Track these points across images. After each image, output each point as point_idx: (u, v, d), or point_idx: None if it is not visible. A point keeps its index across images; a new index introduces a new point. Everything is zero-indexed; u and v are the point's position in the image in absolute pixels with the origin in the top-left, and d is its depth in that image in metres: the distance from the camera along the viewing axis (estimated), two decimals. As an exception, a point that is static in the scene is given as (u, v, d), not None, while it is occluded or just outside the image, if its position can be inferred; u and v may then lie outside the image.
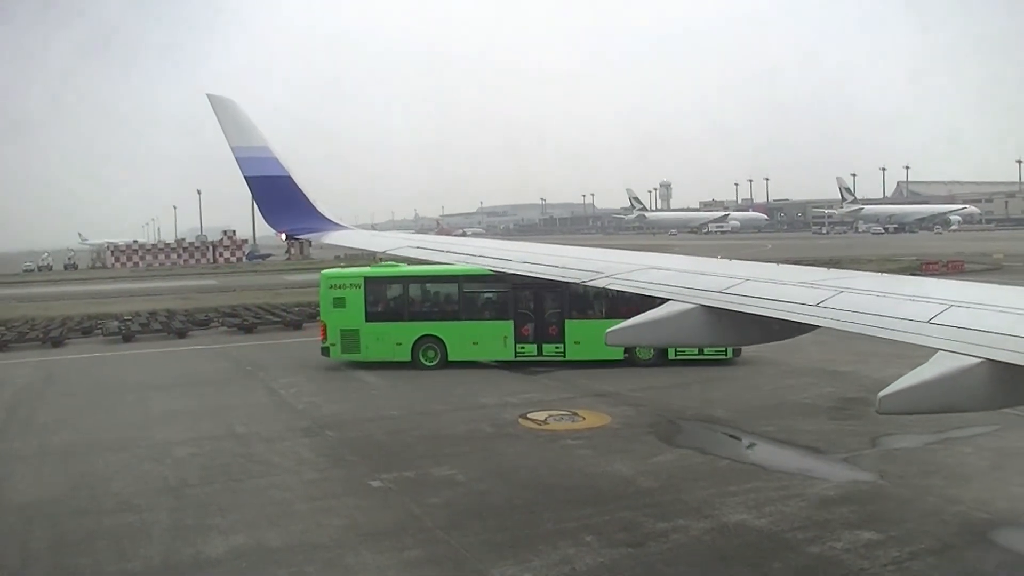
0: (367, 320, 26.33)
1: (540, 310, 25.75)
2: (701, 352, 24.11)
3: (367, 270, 27.45)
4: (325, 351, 26.65)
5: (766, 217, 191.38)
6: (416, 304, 26.98)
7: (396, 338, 26.13)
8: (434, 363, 25.96)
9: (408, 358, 26.05)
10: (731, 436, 17.75)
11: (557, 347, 25.49)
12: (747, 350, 24.55)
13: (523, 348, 25.60)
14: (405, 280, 26.61)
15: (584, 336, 24.73)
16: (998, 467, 14.99)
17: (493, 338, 25.81)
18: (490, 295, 26.38)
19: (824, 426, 18.22)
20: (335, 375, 26.28)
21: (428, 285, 26.94)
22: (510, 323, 25.82)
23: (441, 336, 26.07)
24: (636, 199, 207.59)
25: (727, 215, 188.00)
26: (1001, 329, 6.33)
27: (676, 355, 24.78)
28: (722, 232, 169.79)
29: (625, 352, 24.42)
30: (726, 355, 24.73)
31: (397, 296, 26.99)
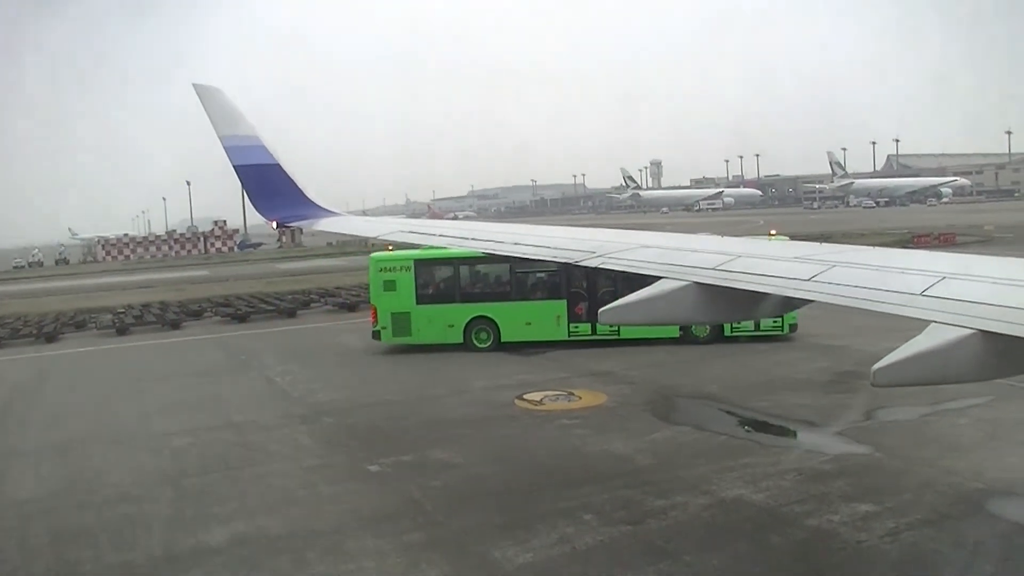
0: (418, 303, 26.09)
1: (593, 289, 25.20)
2: (757, 328, 24.06)
3: (417, 252, 26.61)
4: (376, 335, 26.45)
5: (760, 193, 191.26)
6: (468, 285, 26.63)
7: (448, 320, 25.91)
8: (487, 344, 25.79)
9: (460, 340, 25.82)
10: (727, 412, 17.81)
11: (612, 325, 24.99)
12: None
13: (576, 328, 25.23)
14: (456, 262, 26.01)
15: None
16: (992, 438, 15.07)
17: (546, 318, 25.58)
18: (542, 275, 26.03)
19: (819, 400, 18.30)
20: (331, 362, 26.30)
21: (480, 266, 26.48)
22: (563, 303, 25.58)
23: (494, 317, 25.82)
24: (630, 178, 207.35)
25: (721, 192, 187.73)
26: (993, 300, 6.36)
27: (732, 331, 24.71)
28: (713, 209, 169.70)
29: (680, 330, 24.15)
30: (782, 331, 24.62)
31: (448, 278, 26.61)
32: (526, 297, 26.01)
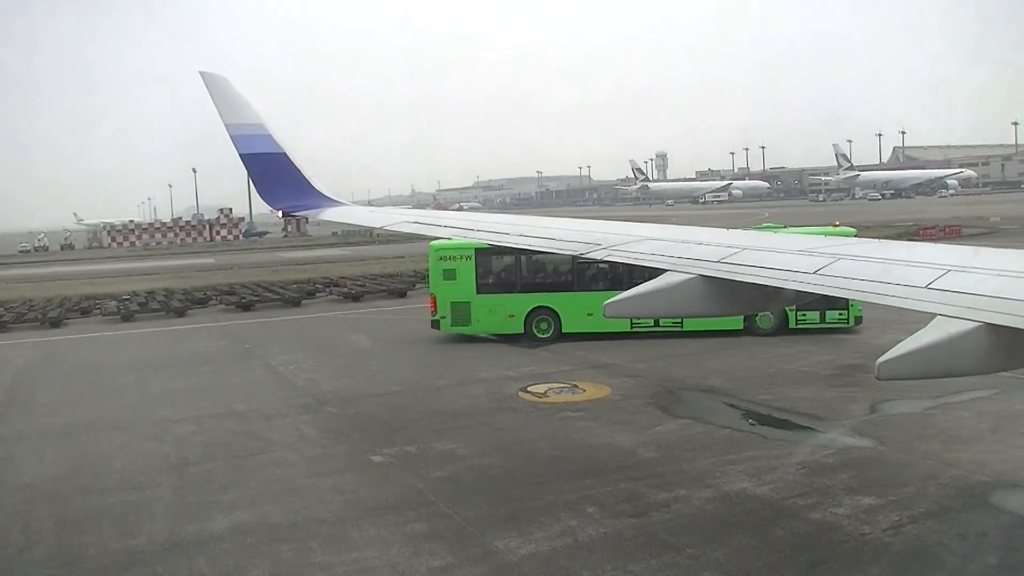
0: (478, 292, 25.89)
1: None
2: (823, 319, 23.97)
3: (478, 241, 26.72)
4: (435, 324, 26.27)
5: (767, 185, 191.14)
6: (529, 275, 26.41)
7: (508, 310, 25.71)
8: (548, 335, 25.59)
9: (521, 330, 25.65)
10: (730, 405, 17.79)
11: (675, 319, 24.46)
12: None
13: (639, 320, 24.46)
14: (517, 251, 25.24)
15: None
16: (996, 430, 15.06)
17: None
18: (604, 265, 25.06)
19: (823, 393, 18.28)
20: (335, 351, 26.32)
21: (542, 256, 25.84)
22: None
23: (555, 308, 25.63)
24: (639, 170, 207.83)
25: (730, 184, 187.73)
26: (998, 293, 6.33)
27: (797, 323, 24.57)
28: (719, 201, 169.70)
29: (744, 320, 23.99)
30: (848, 323, 24.48)
31: (509, 267, 26.47)
32: (588, 288, 25.45)
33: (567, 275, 26.05)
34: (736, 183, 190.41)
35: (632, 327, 24.62)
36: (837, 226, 28.75)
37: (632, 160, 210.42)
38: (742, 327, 24.31)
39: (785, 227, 26.83)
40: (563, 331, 25.49)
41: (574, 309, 25.32)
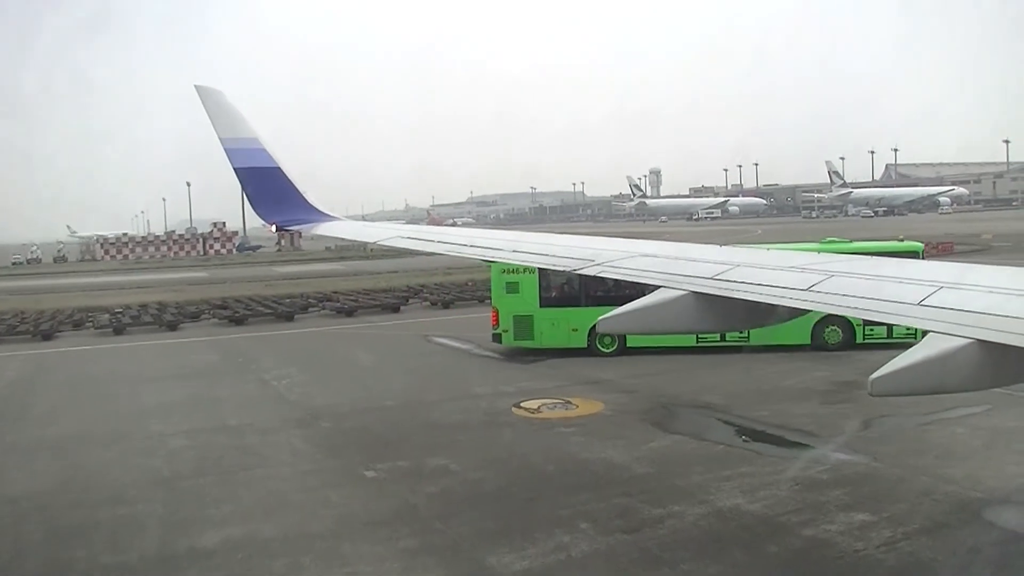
0: (541, 305, 25.66)
1: None
2: (890, 335, 23.42)
3: None
4: (497, 337, 26.08)
5: (764, 202, 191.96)
6: (593, 289, 25.65)
7: (572, 324, 25.25)
8: (612, 349, 25.23)
9: (584, 345, 25.25)
10: (725, 421, 17.78)
11: (740, 331, 24.31)
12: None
13: (704, 335, 24.16)
14: None
15: None
16: (990, 446, 15.08)
17: None
18: None
19: (817, 409, 18.29)
20: (327, 366, 26.29)
21: None
22: None
23: None
24: (636, 186, 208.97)
25: (727, 201, 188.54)
26: (991, 309, 6.35)
27: (865, 338, 24.30)
28: (712, 218, 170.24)
29: (812, 337, 23.86)
30: (916, 338, 24.16)
31: (573, 280, 25.84)
32: None
33: (633, 288, 25.65)
34: (733, 199, 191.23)
35: (698, 342, 24.22)
36: (902, 240, 28.61)
37: (629, 176, 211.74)
38: (810, 342, 24.05)
39: (851, 242, 26.83)
40: (627, 346, 25.06)
41: None
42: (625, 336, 24.44)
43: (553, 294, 26.02)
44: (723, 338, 24.12)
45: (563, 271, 25.58)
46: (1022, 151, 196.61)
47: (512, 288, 25.74)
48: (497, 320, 26.05)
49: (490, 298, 39.82)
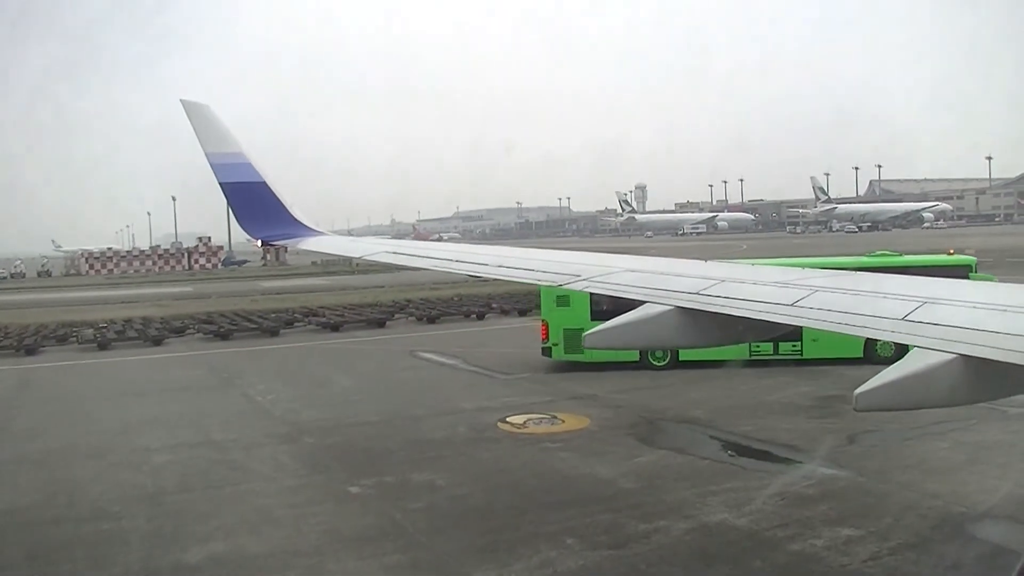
0: (592, 319, 24.65)
1: None
2: None
3: None
4: (546, 351, 25.78)
5: (752, 217, 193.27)
6: None
7: None
8: (664, 363, 25.03)
9: (636, 359, 24.92)
10: (710, 436, 17.81)
11: (794, 345, 24.26)
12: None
13: (758, 347, 23.83)
14: None
15: (821, 333, 23.77)
16: (974, 461, 15.15)
17: None
18: None
19: (802, 424, 18.34)
20: (312, 381, 26.19)
21: None
22: None
23: None
24: (625, 201, 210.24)
25: (716, 216, 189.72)
26: (974, 324, 6.39)
27: None
28: (698, 233, 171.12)
29: (864, 350, 23.35)
30: None
31: None
32: None
33: None
34: (722, 215, 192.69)
35: (751, 355, 24.09)
36: (952, 254, 28.67)
37: (618, 192, 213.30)
38: (862, 355, 23.61)
39: (901, 255, 26.81)
40: (680, 359, 24.84)
41: None
42: (678, 350, 24.20)
43: (604, 308, 25.80)
44: (776, 350, 24.06)
45: None
46: (1004, 168, 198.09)
47: (563, 302, 25.37)
48: (547, 334, 25.77)
49: (476, 314, 40.27)
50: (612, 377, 23.73)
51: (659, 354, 24.84)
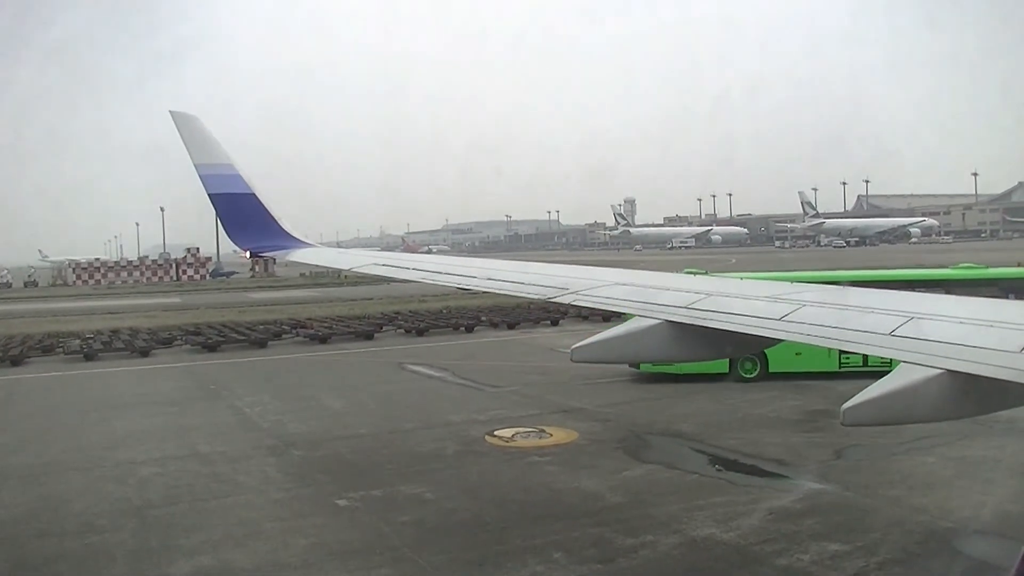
0: None
1: None
2: None
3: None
4: (635, 363, 24.90)
5: (746, 231, 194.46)
6: None
7: None
8: (753, 375, 24.76)
9: (726, 370, 24.49)
10: (698, 451, 17.82)
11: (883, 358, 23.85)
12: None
13: (847, 359, 23.59)
14: None
15: None
16: (960, 476, 15.20)
17: (817, 349, 24.18)
18: None
19: (790, 439, 18.37)
20: (300, 393, 26.09)
21: None
22: None
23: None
24: (620, 215, 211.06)
25: (710, 230, 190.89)
26: (961, 340, 6.43)
27: None
28: (687, 247, 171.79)
29: None
30: None
31: None
32: None
33: None
34: (716, 228, 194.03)
35: (840, 367, 23.89)
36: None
37: (613, 205, 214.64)
38: None
39: (986, 267, 26.78)
40: (770, 371, 24.68)
41: (782, 348, 24.30)
42: (767, 361, 24.37)
43: None
44: (865, 362, 22.84)
45: None
46: (990, 184, 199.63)
47: None
48: None
49: (465, 326, 40.26)
50: (601, 390, 23.75)
51: (748, 366, 24.74)
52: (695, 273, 26.12)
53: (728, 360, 24.06)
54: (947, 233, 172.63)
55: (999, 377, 5.83)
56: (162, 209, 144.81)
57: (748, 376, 24.78)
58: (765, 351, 23.05)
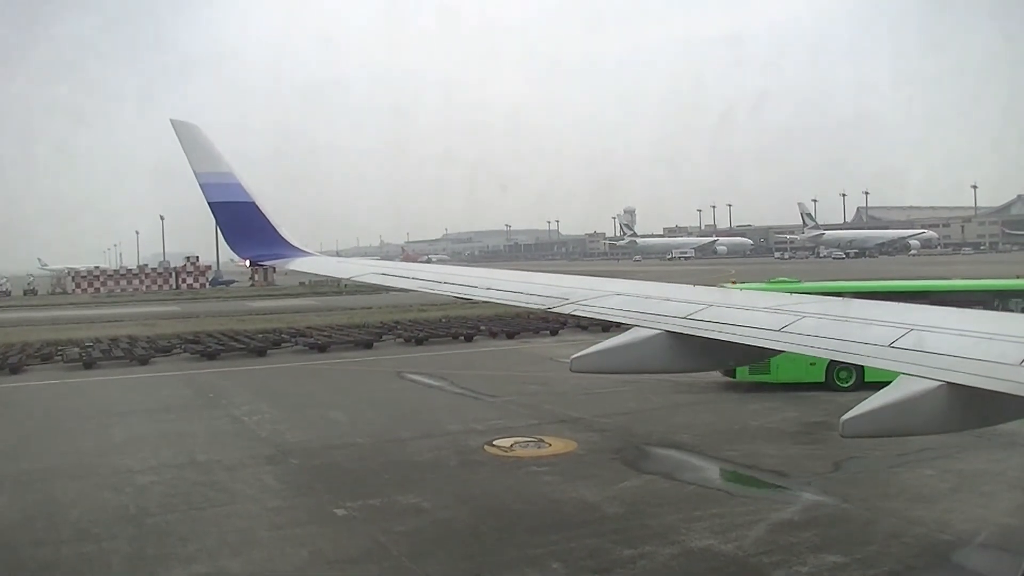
0: None
1: None
2: None
3: (777, 285, 25.38)
4: (729, 372, 24.93)
5: (751, 242, 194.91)
6: None
7: (810, 358, 23.03)
8: (848, 384, 24.38)
9: (822, 379, 24.52)
10: (696, 461, 17.78)
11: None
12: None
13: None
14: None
15: None
16: (958, 488, 15.16)
17: None
18: None
19: (788, 450, 18.34)
20: (299, 402, 26.07)
21: None
22: None
23: None
24: (627, 225, 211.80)
25: (716, 240, 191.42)
26: (959, 352, 6.42)
27: None
28: (686, 258, 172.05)
29: None
30: None
31: None
32: None
33: None
34: (721, 239, 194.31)
35: None
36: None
37: (618, 215, 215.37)
38: None
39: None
40: (866, 380, 23.73)
41: None
42: (864, 370, 23.29)
43: None
44: None
45: None
46: (989, 196, 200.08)
47: None
48: None
49: (464, 336, 40.25)
50: (600, 400, 23.69)
51: (843, 375, 24.54)
52: (785, 282, 26.17)
53: (824, 369, 24.20)
54: (947, 245, 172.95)
55: (999, 390, 5.82)
56: (162, 218, 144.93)
57: (843, 386, 24.43)
58: None
